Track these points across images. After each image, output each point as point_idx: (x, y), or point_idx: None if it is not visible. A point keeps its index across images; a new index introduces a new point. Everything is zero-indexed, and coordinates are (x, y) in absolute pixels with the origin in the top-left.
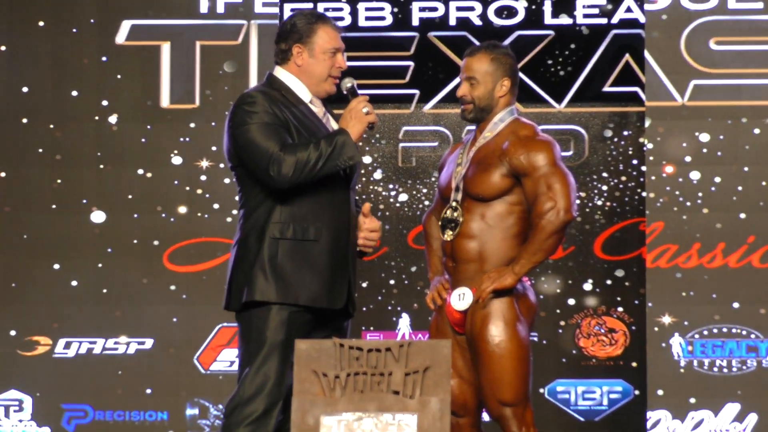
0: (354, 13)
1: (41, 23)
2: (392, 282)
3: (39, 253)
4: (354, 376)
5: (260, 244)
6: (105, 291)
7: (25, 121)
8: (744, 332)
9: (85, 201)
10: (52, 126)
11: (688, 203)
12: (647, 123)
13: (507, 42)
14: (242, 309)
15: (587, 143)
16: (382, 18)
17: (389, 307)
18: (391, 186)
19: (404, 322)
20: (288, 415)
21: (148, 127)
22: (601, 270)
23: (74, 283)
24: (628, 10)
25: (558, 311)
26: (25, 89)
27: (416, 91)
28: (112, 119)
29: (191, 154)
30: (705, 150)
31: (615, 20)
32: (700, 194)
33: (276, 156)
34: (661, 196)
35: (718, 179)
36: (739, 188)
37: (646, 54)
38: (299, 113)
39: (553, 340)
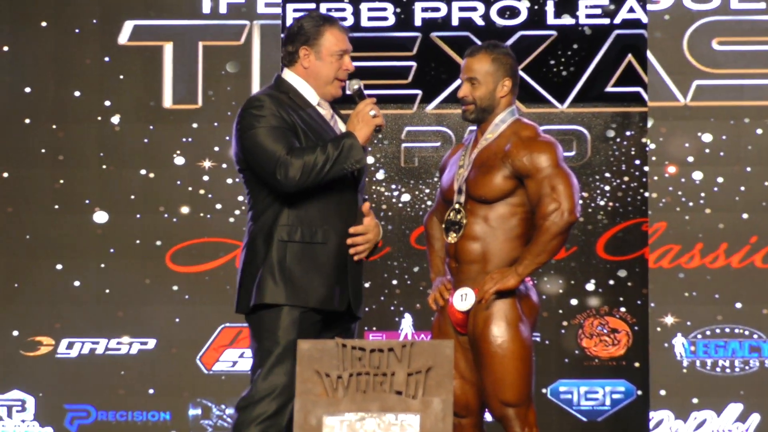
0: (357, 14)
1: (44, 24)
2: (395, 282)
3: (41, 253)
4: (357, 376)
5: (268, 247)
6: (107, 291)
7: (27, 121)
8: (746, 332)
9: (87, 201)
10: (54, 126)
11: (691, 203)
12: (650, 123)
13: (509, 42)
14: (252, 311)
15: (590, 143)
16: (385, 18)
17: (392, 308)
18: (393, 186)
19: (407, 323)
20: None
21: (151, 127)
22: (603, 270)
23: (77, 283)
24: (631, 10)
25: (560, 311)
26: (27, 89)
27: (419, 92)
28: (115, 119)
29: (194, 155)
30: (707, 150)
31: (617, 20)
32: (702, 194)
33: (283, 159)
34: (664, 197)
35: (720, 179)
36: (742, 188)
37: (649, 54)
38: (306, 116)
39: (556, 341)
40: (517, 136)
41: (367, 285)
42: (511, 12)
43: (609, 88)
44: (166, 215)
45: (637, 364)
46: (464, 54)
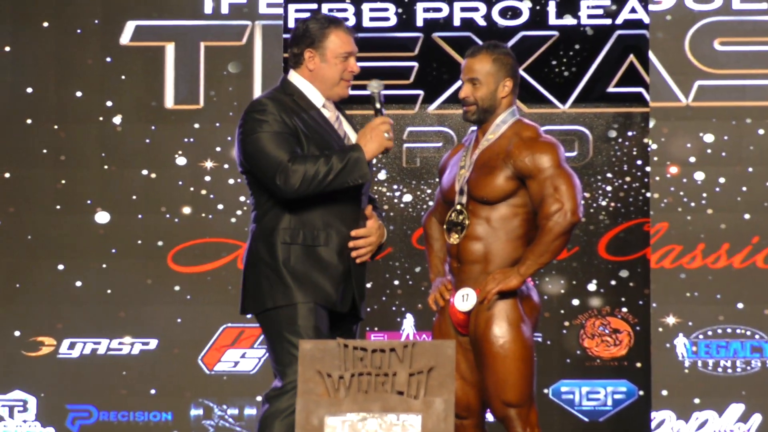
0: (358, 14)
1: (45, 24)
2: (396, 282)
3: (43, 253)
4: (358, 376)
5: (272, 249)
6: (109, 291)
7: (29, 121)
8: (748, 333)
9: (89, 201)
10: (56, 127)
11: (693, 204)
12: (651, 123)
13: (511, 43)
14: (264, 310)
15: (591, 144)
16: (387, 19)
17: (393, 308)
18: (395, 186)
19: (408, 323)
20: None
21: (153, 127)
22: (605, 270)
23: (78, 283)
24: (633, 10)
25: (562, 312)
26: (29, 90)
27: (420, 92)
28: (116, 120)
29: (195, 155)
30: (709, 150)
31: (619, 21)
32: (704, 195)
33: (284, 166)
34: (666, 197)
35: (722, 180)
36: (744, 189)
37: (651, 55)
38: (310, 119)
39: (558, 341)
40: (519, 137)
41: (368, 285)
42: (512, 12)
43: (611, 89)
44: (167, 215)
45: (638, 365)
46: (465, 54)
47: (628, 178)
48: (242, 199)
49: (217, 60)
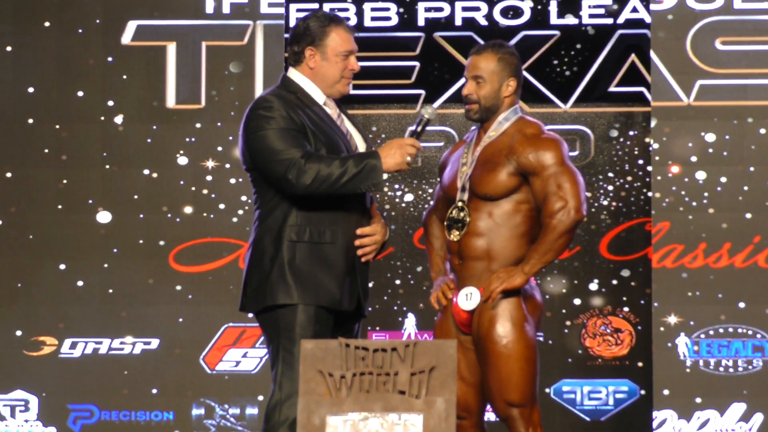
0: (360, 14)
1: (47, 24)
2: (398, 282)
3: (45, 253)
4: (360, 376)
5: (277, 247)
6: (111, 291)
7: (30, 121)
8: (750, 332)
9: (90, 201)
10: (57, 126)
11: (694, 203)
12: (653, 123)
13: (512, 42)
14: (264, 310)
15: (593, 143)
16: (388, 18)
17: (395, 307)
18: (396, 186)
19: (410, 322)
20: None
21: (154, 127)
22: (606, 270)
23: (80, 283)
24: (634, 10)
25: (564, 311)
26: (30, 90)
27: (422, 92)
28: (118, 119)
29: (197, 155)
30: (711, 150)
31: (621, 20)
32: (705, 194)
33: (297, 162)
34: (667, 196)
35: (723, 179)
36: (745, 188)
37: (652, 54)
38: (315, 116)
39: (559, 340)
40: (522, 134)
41: (370, 285)
42: (514, 12)
43: (612, 88)
44: (169, 215)
45: (640, 364)
46: (470, 52)
47: (629, 178)
48: (244, 198)
49: (219, 60)
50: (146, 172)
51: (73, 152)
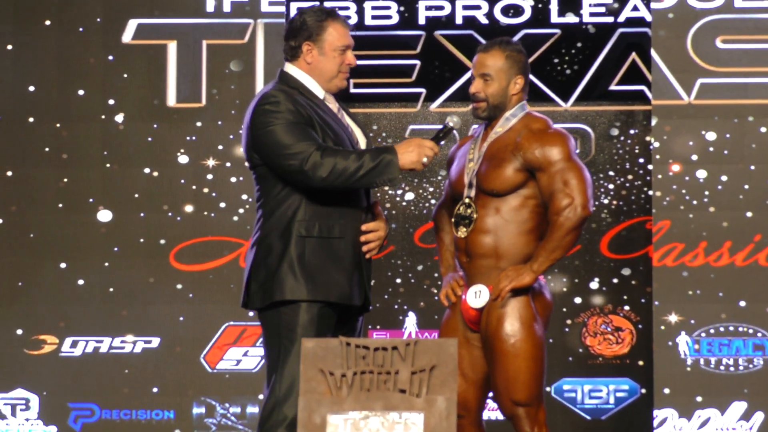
0: (360, 12)
1: (47, 22)
2: (399, 281)
3: (45, 252)
4: (360, 374)
5: (286, 243)
6: (111, 290)
7: (31, 120)
8: (750, 331)
9: (91, 200)
10: (58, 125)
11: (695, 202)
12: (654, 121)
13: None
14: (268, 307)
15: (594, 142)
16: (389, 17)
17: (396, 306)
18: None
19: (411, 321)
20: None
21: (155, 126)
22: (607, 268)
23: (81, 282)
24: (635, 8)
25: (564, 310)
26: (31, 88)
27: (422, 90)
28: (119, 118)
29: (198, 153)
30: (711, 148)
31: (621, 19)
32: (706, 193)
33: (313, 155)
34: (668, 195)
35: (724, 178)
36: (746, 187)
37: (653, 52)
38: (319, 110)
39: (560, 339)
40: (528, 129)
41: (371, 283)
42: (515, 10)
43: (613, 87)
44: (170, 214)
45: (641, 363)
46: (477, 49)
47: (630, 176)
48: (244, 197)
49: (220, 58)
50: (147, 170)
51: (74, 151)
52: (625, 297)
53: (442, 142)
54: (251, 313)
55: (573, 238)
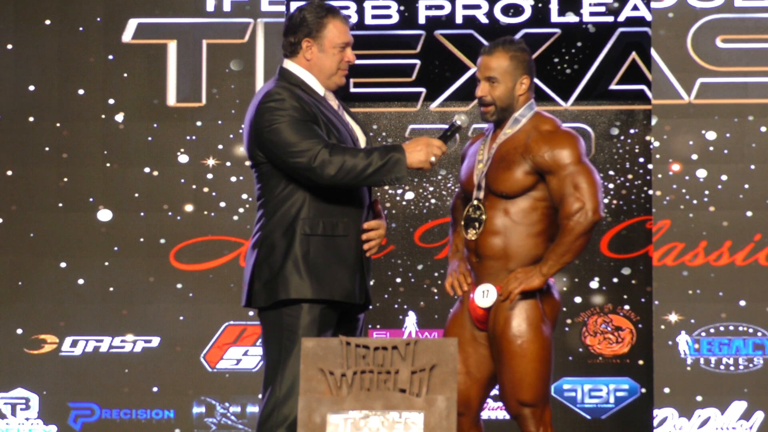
0: (360, 11)
1: (47, 22)
2: (399, 280)
3: (45, 251)
4: (360, 374)
5: (290, 241)
6: (111, 289)
7: (31, 119)
8: (751, 330)
9: (91, 199)
10: (58, 124)
11: (695, 201)
12: (654, 121)
13: None
14: (269, 307)
15: (594, 141)
16: (389, 16)
17: (396, 306)
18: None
19: (411, 320)
20: None
21: (155, 125)
22: (607, 268)
23: (81, 281)
24: (635, 8)
25: (564, 309)
26: (31, 88)
27: (423, 89)
28: (119, 118)
29: (198, 153)
30: (711, 148)
31: (621, 18)
32: (706, 192)
33: (321, 153)
34: (668, 194)
35: (724, 177)
36: (746, 186)
37: (653, 52)
38: (322, 107)
39: (560, 339)
40: (537, 130)
41: (371, 283)
42: (515, 10)
43: (613, 86)
44: (170, 213)
45: (641, 362)
46: (480, 52)
47: (630, 176)
48: (244, 196)
49: (220, 58)
50: (147, 170)
51: (74, 150)
52: (625, 296)
53: (450, 141)
54: (251, 313)
55: (583, 242)
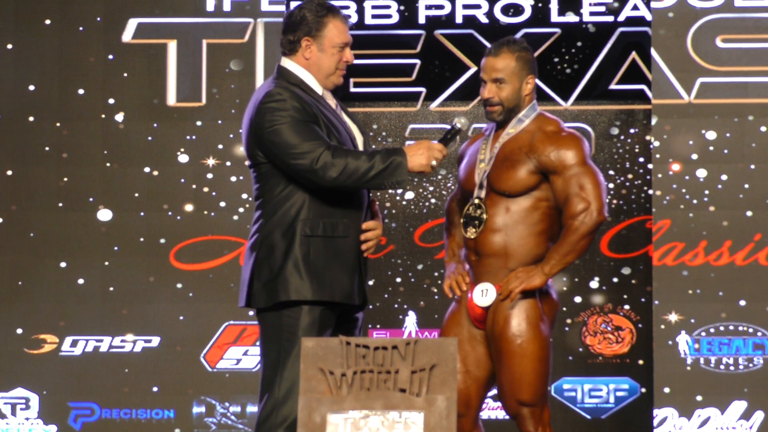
0: (360, 11)
1: (48, 21)
2: (399, 280)
3: (45, 251)
4: (360, 374)
5: (290, 242)
6: (111, 289)
7: (31, 119)
8: (750, 330)
9: (91, 199)
10: (58, 124)
11: (695, 201)
12: (654, 121)
13: None
14: (269, 308)
15: (594, 141)
16: (389, 16)
17: (396, 305)
18: (398, 188)
19: (411, 320)
20: None
21: (155, 125)
22: (607, 268)
23: (81, 281)
24: (635, 7)
25: (564, 309)
26: (31, 87)
27: (423, 89)
28: (119, 117)
29: (198, 152)
30: (711, 148)
31: (621, 18)
32: (706, 192)
33: (324, 155)
34: (668, 194)
35: (724, 177)
36: (746, 186)
37: (653, 52)
38: (322, 107)
39: (560, 338)
40: (542, 131)
41: (371, 283)
42: (515, 9)
43: (613, 86)
44: (170, 213)
45: (641, 362)
46: (485, 53)
47: (630, 176)
48: (244, 196)
49: (220, 57)
50: (147, 170)
51: (74, 150)
52: (625, 296)
53: (450, 144)
54: (251, 312)
55: (587, 242)
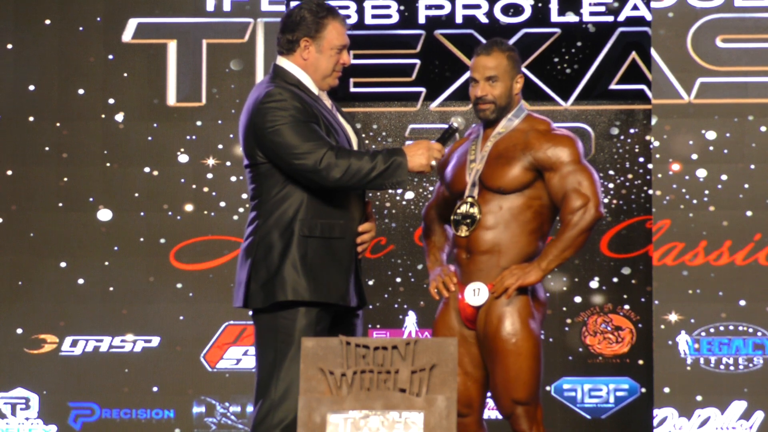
0: (360, 11)
1: (47, 21)
2: (398, 280)
3: (45, 251)
4: (360, 374)
5: (288, 242)
6: (111, 289)
7: (31, 119)
8: (750, 330)
9: (91, 199)
10: (58, 124)
11: (695, 201)
12: (654, 121)
13: (513, 40)
14: (265, 309)
15: (594, 141)
16: (389, 16)
17: (395, 305)
18: (398, 188)
19: (411, 320)
20: None
21: (155, 125)
22: (607, 268)
23: (81, 281)
24: (635, 7)
25: (564, 309)
26: (31, 87)
27: (422, 89)
28: (119, 117)
29: (198, 152)
30: (711, 148)
31: (621, 18)
32: (706, 192)
33: (327, 155)
34: (668, 194)
35: (724, 177)
36: (746, 186)
37: (653, 52)
38: (320, 107)
39: (560, 338)
40: (536, 130)
41: (370, 283)
42: (514, 9)
43: (613, 86)
44: (170, 213)
45: (641, 362)
46: (475, 52)
47: (630, 176)
48: (244, 196)
49: (220, 57)
50: (147, 170)
51: (74, 150)
52: (625, 296)
53: (448, 143)
54: (251, 312)
55: (585, 238)
